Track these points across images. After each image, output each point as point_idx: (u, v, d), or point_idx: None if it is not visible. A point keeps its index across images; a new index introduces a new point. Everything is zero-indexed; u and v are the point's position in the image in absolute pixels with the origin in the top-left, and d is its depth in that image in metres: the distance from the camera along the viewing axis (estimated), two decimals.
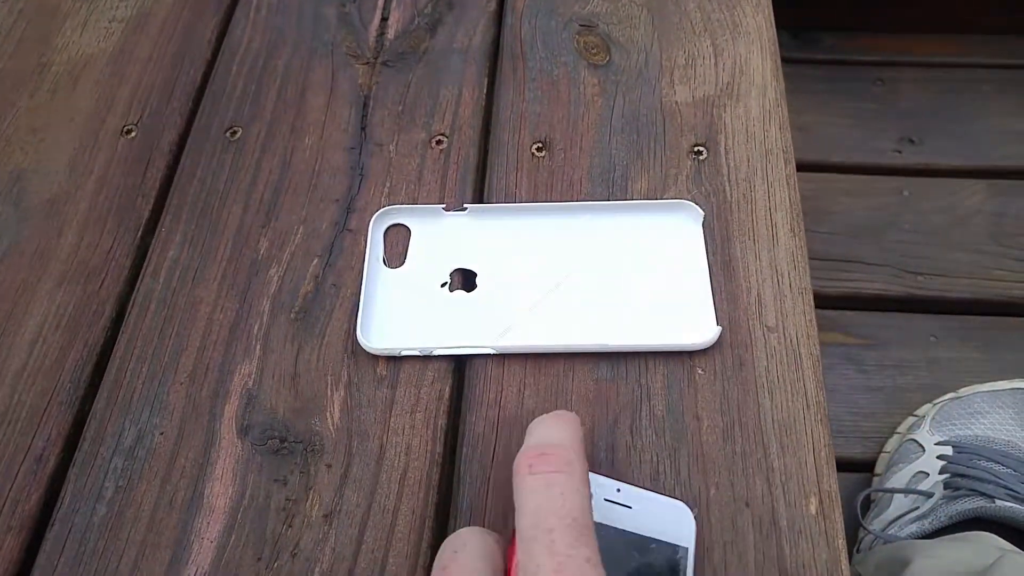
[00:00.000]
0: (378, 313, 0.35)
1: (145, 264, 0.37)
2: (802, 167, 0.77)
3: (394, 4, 0.45)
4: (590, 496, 0.24)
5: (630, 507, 0.28)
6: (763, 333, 0.34)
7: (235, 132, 0.41)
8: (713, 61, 0.42)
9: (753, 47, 0.42)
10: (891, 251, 0.73)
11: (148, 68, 0.44)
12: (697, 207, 0.36)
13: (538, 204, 0.37)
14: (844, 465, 0.64)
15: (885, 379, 0.67)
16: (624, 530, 0.28)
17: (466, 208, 0.37)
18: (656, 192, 0.37)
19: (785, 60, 0.85)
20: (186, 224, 0.38)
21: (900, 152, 0.79)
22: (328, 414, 0.33)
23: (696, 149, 0.39)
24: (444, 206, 0.37)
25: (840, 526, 0.31)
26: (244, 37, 0.45)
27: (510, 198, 0.38)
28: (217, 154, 0.40)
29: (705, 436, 0.32)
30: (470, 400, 0.33)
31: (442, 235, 0.37)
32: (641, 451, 0.31)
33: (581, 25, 0.43)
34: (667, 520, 0.29)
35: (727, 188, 0.37)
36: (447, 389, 0.33)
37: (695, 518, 0.29)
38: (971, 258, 0.72)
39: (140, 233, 0.38)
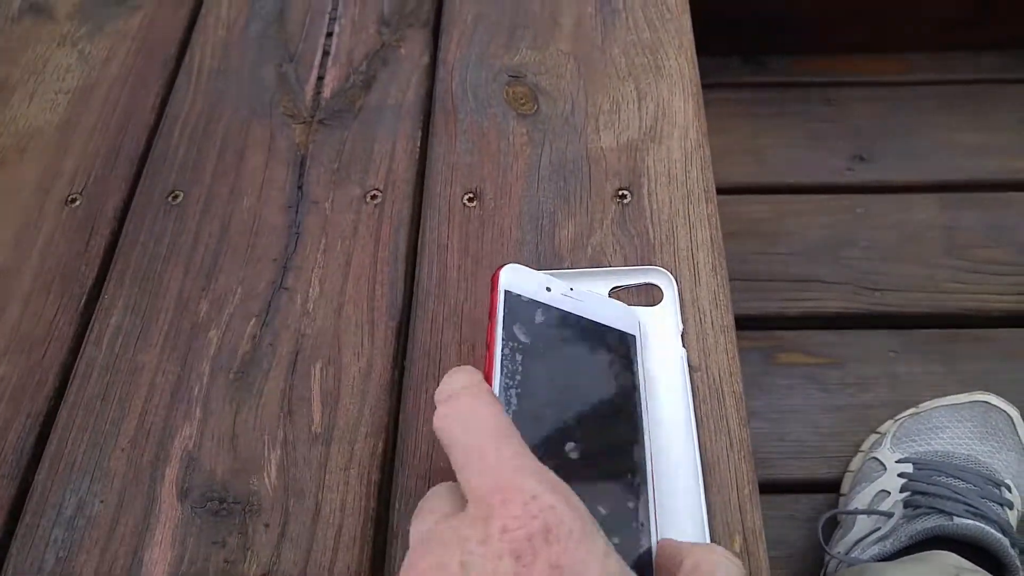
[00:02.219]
0: None
1: (88, 331, 0.38)
2: (756, 190, 0.80)
3: (330, 63, 0.47)
4: (501, 406, 0.26)
5: (582, 302, 0.33)
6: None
7: (177, 196, 0.42)
8: (637, 105, 0.43)
9: (675, 88, 0.43)
10: (848, 269, 0.74)
11: (93, 137, 0.45)
12: None
13: None
14: (809, 486, 0.65)
15: (847, 397, 0.68)
16: (579, 315, 0.33)
17: None
18: (582, 236, 0.39)
19: (736, 84, 0.88)
20: (129, 290, 0.39)
21: (852, 170, 0.80)
22: (266, 473, 0.34)
23: (620, 193, 0.40)
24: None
25: (764, 563, 0.31)
26: (186, 102, 0.46)
27: (442, 250, 0.39)
28: (159, 219, 0.41)
29: None
30: (403, 454, 0.34)
31: None
32: None
33: (510, 76, 0.45)
34: (615, 315, 0.34)
35: (650, 230, 0.38)
36: (380, 444, 0.34)
37: (640, 321, 0.35)
38: (926, 272, 0.73)
39: (84, 300, 0.39)
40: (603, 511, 0.29)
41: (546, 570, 0.20)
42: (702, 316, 0.36)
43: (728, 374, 0.35)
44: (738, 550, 0.31)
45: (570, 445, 0.29)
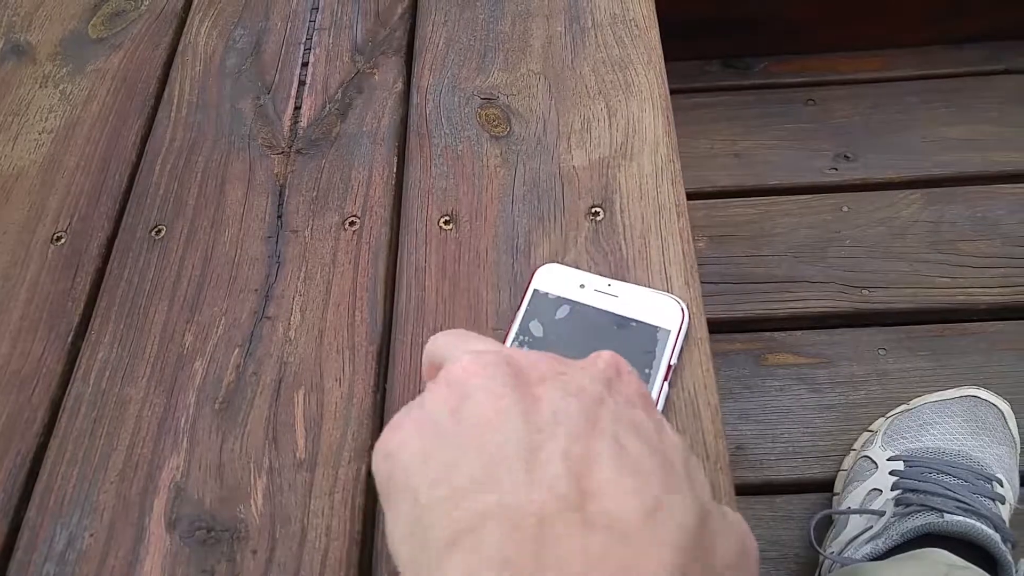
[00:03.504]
0: None
1: (75, 367, 0.39)
2: (741, 193, 0.80)
3: (306, 92, 0.47)
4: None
5: (617, 296, 0.36)
6: None
7: (160, 231, 0.43)
8: (608, 123, 0.44)
9: (645, 105, 0.44)
10: (835, 268, 0.75)
11: (76, 175, 0.46)
12: None
13: None
14: (803, 486, 0.65)
15: (838, 396, 0.68)
16: (606, 310, 0.35)
17: None
18: (557, 255, 0.39)
19: (719, 88, 0.89)
20: (115, 325, 0.40)
21: (836, 169, 0.81)
22: (252, 501, 0.34)
23: (593, 211, 0.41)
24: None
25: None
26: (167, 137, 0.47)
27: (420, 273, 0.40)
28: (143, 254, 0.42)
29: None
30: None
31: None
32: None
33: (483, 99, 0.46)
34: (653, 308, 0.35)
35: (623, 246, 0.39)
36: (363, 468, 0.35)
37: (684, 309, 0.35)
38: (913, 268, 0.74)
39: (71, 337, 0.40)
40: None
41: (632, 395, 0.23)
42: None
43: (703, 387, 0.35)
44: None
45: None
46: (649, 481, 0.20)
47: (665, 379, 0.34)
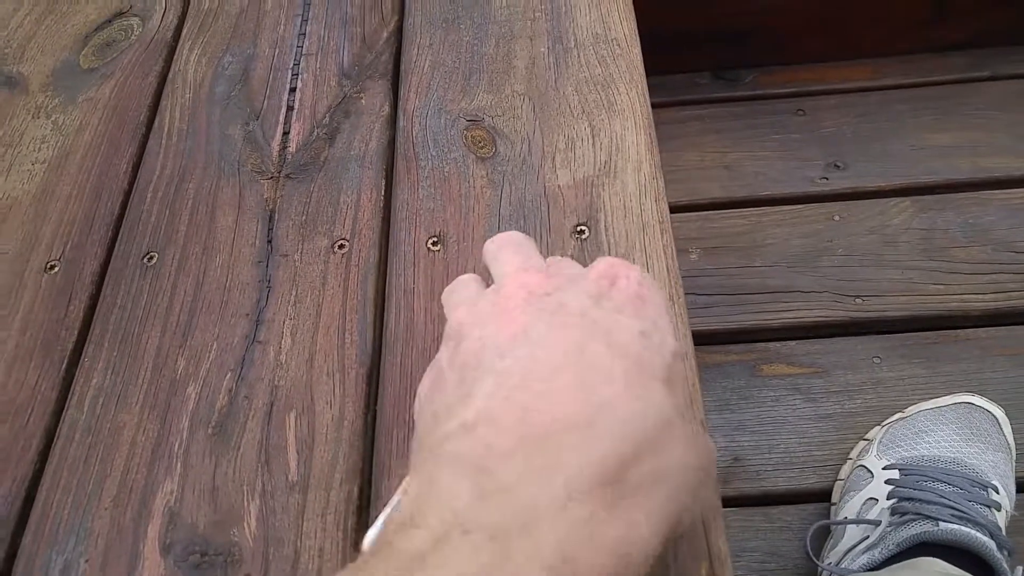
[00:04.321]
0: None
1: (69, 395, 0.39)
2: (732, 204, 0.81)
3: (294, 117, 0.48)
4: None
5: None
6: None
7: (152, 257, 0.44)
8: (591, 142, 0.44)
9: (628, 123, 0.45)
10: (828, 277, 0.75)
11: (69, 205, 0.46)
12: None
13: None
14: (800, 497, 0.65)
15: (833, 405, 0.69)
16: None
17: None
18: None
19: (708, 101, 0.89)
20: (108, 351, 0.40)
21: (827, 178, 0.81)
22: (246, 524, 0.35)
23: (579, 229, 0.41)
24: None
25: None
26: (158, 164, 0.47)
27: (408, 294, 0.40)
28: (136, 281, 0.43)
29: None
30: (377, 498, 0.35)
31: None
32: None
33: (468, 120, 0.46)
34: None
35: None
36: (355, 489, 0.35)
37: None
38: (905, 276, 0.74)
39: (65, 365, 0.40)
40: None
41: (622, 302, 0.26)
42: None
43: (689, 401, 0.35)
44: (704, 575, 0.32)
45: None
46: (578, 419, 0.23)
47: None
